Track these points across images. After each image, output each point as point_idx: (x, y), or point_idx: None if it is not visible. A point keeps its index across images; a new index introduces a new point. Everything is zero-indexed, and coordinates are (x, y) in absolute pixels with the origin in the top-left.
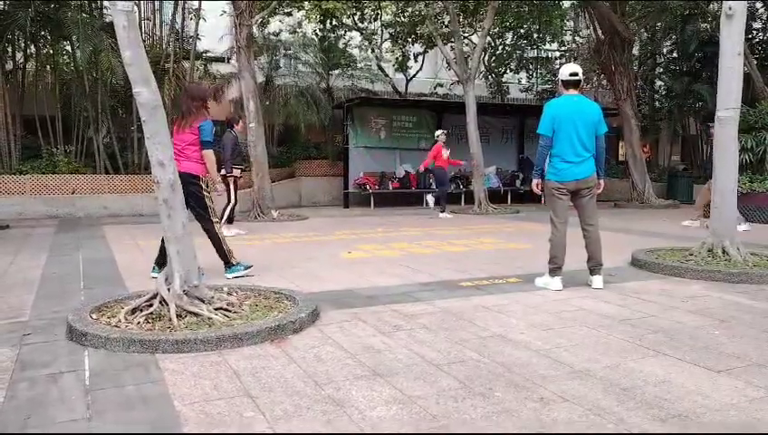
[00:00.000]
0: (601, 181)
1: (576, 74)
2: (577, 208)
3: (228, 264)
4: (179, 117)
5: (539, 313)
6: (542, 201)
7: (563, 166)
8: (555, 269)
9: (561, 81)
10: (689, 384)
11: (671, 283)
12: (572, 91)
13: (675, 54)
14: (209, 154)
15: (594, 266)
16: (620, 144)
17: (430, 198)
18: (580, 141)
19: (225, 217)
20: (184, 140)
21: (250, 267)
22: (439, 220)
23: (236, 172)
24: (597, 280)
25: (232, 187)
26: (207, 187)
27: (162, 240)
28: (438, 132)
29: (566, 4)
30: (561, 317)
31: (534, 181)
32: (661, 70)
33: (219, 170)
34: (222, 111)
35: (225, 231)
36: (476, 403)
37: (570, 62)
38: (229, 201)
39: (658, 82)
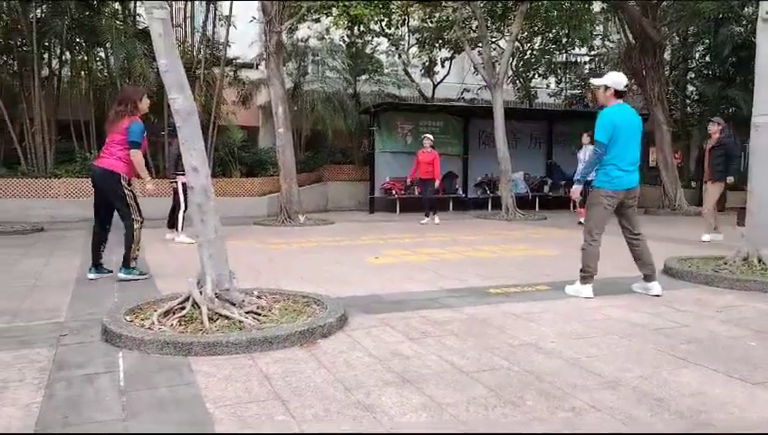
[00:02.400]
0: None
1: (626, 85)
2: (623, 219)
3: (126, 263)
4: (111, 116)
5: (569, 321)
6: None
7: (619, 174)
8: (588, 278)
9: (615, 90)
10: (725, 396)
11: (705, 292)
12: (620, 101)
13: (707, 59)
14: (136, 154)
15: (651, 273)
16: (651, 150)
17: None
18: (634, 150)
19: (180, 224)
20: (113, 138)
21: (144, 275)
22: (436, 225)
23: (182, 179)
24: (655, 287)
25: (181, 193)
26: (129, 185)
27: (93, 237)
28: (426, 136)
29: (596, 8)
30: (592, 326)
31: (578, 188)
32: (693, 75)
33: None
34: (250, 116)
35: (183, 237)
36: (507, 412)
37: (599, 67)
38: (179, 207)
39: (690, 88)
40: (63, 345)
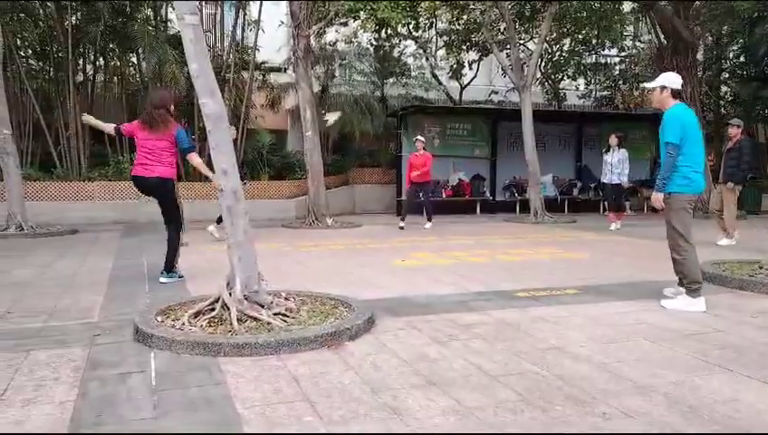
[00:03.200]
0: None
1: (681, 84)
2: None
3: (171, 269)
4: (146, 124)
5: (599, 325)
6: (603, 211)
7: (697, 177)
8: (698, 289)
9: (672, 89)
10: (760, 404)
11: (739, 297)
12: (678, 101)
13: (742, 59)
14: (194, 157)
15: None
16: None
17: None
18: (702, 151)
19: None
20: (158, 146)
21: (181, 277)
22: (425, 230)
23: None
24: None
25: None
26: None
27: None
28: (417, 138)
29: (626, 9)
30: (622, 330)
31: (660, 195)
32: (727, 75)
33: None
34: (278, 120)
35: (212, 228)
36: (536, 416)
37: (630, 68)
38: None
39: (724, 88)
40: (97, 345)
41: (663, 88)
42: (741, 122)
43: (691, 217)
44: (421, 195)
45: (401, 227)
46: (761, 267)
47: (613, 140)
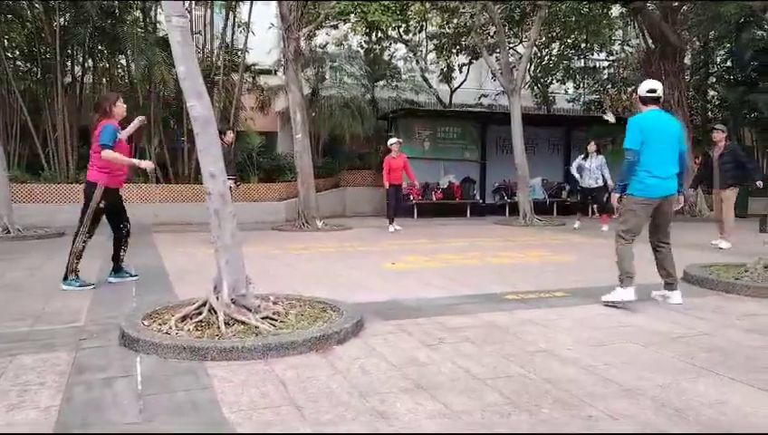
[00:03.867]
0: (681, 197)
1: (654, 90)
2: (653, 224)
3: (66, 276)
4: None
5: (587, 328)
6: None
7: (652, 181)
8: (626, 280)
9: (640, 96)
10: (746, 406)
11: (725, 300)
12: (653, 107)
13: (729, 63)
14: (108, 153)
15: (672, 282)
16: None
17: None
18: (669, 157)
19: None
20: (93, 148)
21: (89, 286)
22: (391, 233)
23: (229, 183)
24: (676, 295)
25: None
26: (101, 198)
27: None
28: (391, 141)
29: (615, 13)
30: (610, 333)
31: (616, 195)
32: (714, 79)
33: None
34: (268, 122)
35: None
36: (522, 419)
37: (619, 72)
38: None
39: (711, 93)
40: (83, 349)
41: (637, 94)
42: (725, 127)
43: (640, 218)
44: (397, 197)
45: (395, 230)
46: (746, 270)
47: (592, 146)
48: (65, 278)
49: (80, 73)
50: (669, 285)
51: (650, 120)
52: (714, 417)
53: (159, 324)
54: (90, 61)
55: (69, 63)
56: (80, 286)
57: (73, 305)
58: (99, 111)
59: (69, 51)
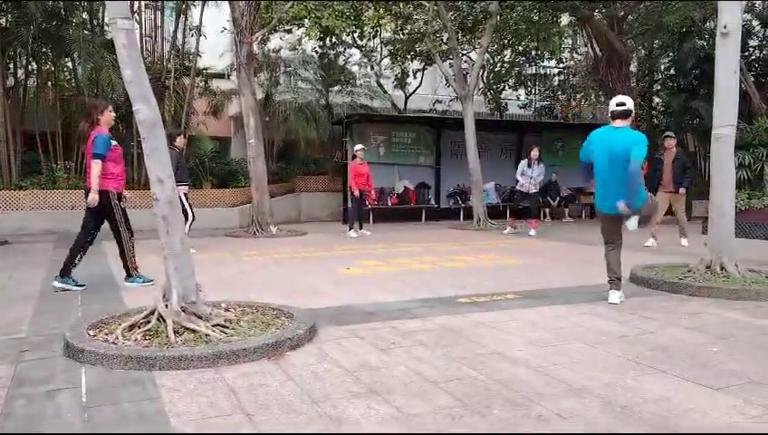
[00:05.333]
0: (620, 203)
1: (623, 104)
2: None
3: (130, 274)
4: (81, 134)
5: (537, 330)
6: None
7: (599, 192)
8: (611, 283)
9: (611, 111)
10: (688, 402)
11: (670, 299)
12: (618, 122)
13: (672, 71)
14: (96, 165)
15: (613, 280)
16: None
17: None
18: (611, 171)
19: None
20: (90, 156)
21: (83, 286)
22: (367, 237)
23: (183, 189)
24: (612, 295)
25: (186, 202)
26: (119, 200)
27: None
28: (357, 147)
29: (564, 22)
30: (559, 334)
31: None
32: (659, 87)
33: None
34: (221, 127)
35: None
36: (474, 421)
37: (568, 78)
38: (187, 217)
39: (656, 99)
40: (24, 361)
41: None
42: (674, 134)
43: (604, 225)
44: (363, 203)
45: (358, 235)
46: (689, 271)
47: (535, 153)
48: (129, 277)
49: (23, 76)
50: (610, 283)
51: (599, 135)
52: (658, 413)
53: (106, 334)
54: (33, 63)
55: (11, 66)
56: (143, 283)
57: (14, 316)
58: (88, 120)
59: (11, 53)
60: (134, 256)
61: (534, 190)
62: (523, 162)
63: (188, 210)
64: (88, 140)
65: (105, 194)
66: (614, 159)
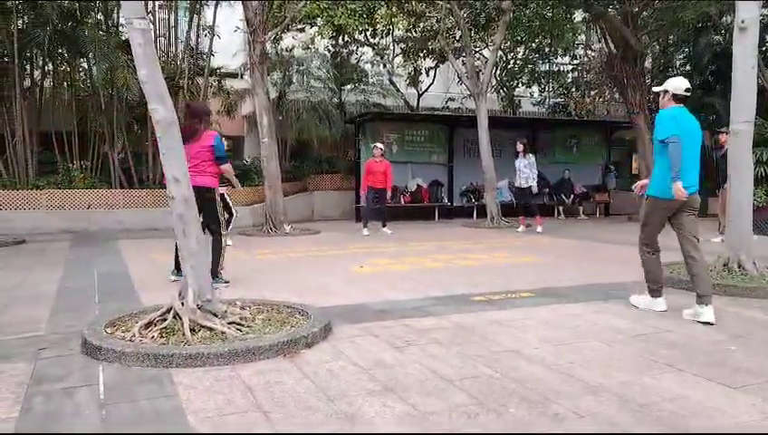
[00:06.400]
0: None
1: (688, 89)
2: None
3: (216, 274)
4: (187, 134)
5: (552, 328)
6: (557, 215)
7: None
8: (652, 291)
9: (674, 94)
10: (706, 401)
11: (686, 298)
12: (681, 105)
13: (688, 67)
14: (228, 168)
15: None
16: (633, 157)
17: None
18: (694, 156)
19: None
20: (198, 156)
21: (227, 283)
22: (385, 235)
23: (223, 189)
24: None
25: (229, 200)
26: (222, 199)
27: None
28: (374, 145)
29: (578, 18)
30: (575, 332)
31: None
32: None
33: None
34: (234, 126)
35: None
36: (490, 419)
37: (582, 75)
38: (231, 215)
39: None
40: (43, 359)
41: (666, 92)
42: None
43: (659, 222)
44: (378, 200)
45: (366, 235)
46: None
47: (519, 146)
48: (217, 276)
49: (39, 77)
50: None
51: (682, 117)
52: (675, 411)
53: (123, 332)
54: (50, 64)
55: (28, 67)
56: (225, 283)
57: (33, 315)
58: (197, 119)
59: (27, 54)
60: (224, 256)
61: (526, 185)
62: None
63: (232, 208)
64: (196, 141)
65: (212, 190)
66: (696, 141)
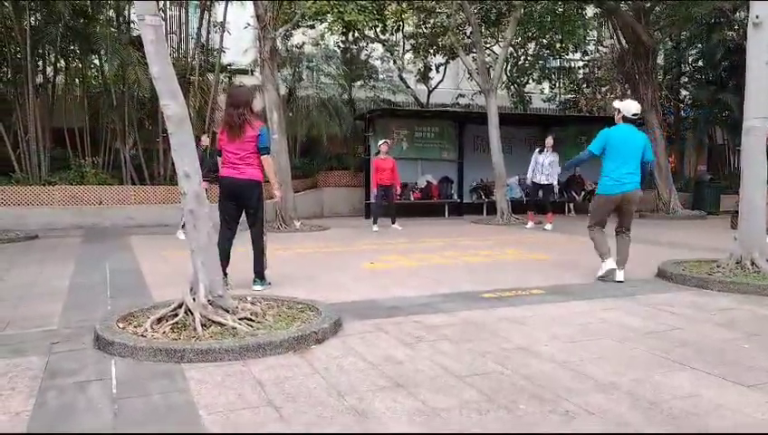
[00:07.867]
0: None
1: (637, 114)
2: (619, 216)
3: (261, 276)
4: (231, 126)
5: (562, 325)
6: (568, 211)
7: (612, 183)
8: (602, 256)
9: (624, 115)
10: (718, 399)
11: (698, 295)
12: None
13: (700, 63)
14: (268, 160)
15: (620, 264)
16: None
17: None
18: (628, 165)
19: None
20: (245, 148)
21: (269, 284)
22: (394, 231)
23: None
24: (619, 273)
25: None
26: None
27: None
28: (380, 142)
29: (589, 14)
30: (586, 329)
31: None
32: (686, 79)
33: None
34: None
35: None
36: (500, 416)
37: (593, 72)
38: None
39: (684, 92)
40: (56, 353)
41: (618, 111)
42: None
43: (603, 210)
44: (389, 197)
45: (376, 231)
46: (718, 266)
47: (549, 141)
48: (263, 278)
49: (51, 74)
50: (618, 265)
51: (617, 133)
52: (687, 410)
53: (135, 327)
54: (62, 61)
55: (40, 64)
56: (268, 285)
57: (45, 310)
58: (243, 107)
59: (40, 51)
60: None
61: (546, 182)
62: (536, 151)
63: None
64: (243, 132)
65: (259, 184)
66: (633, 152)
